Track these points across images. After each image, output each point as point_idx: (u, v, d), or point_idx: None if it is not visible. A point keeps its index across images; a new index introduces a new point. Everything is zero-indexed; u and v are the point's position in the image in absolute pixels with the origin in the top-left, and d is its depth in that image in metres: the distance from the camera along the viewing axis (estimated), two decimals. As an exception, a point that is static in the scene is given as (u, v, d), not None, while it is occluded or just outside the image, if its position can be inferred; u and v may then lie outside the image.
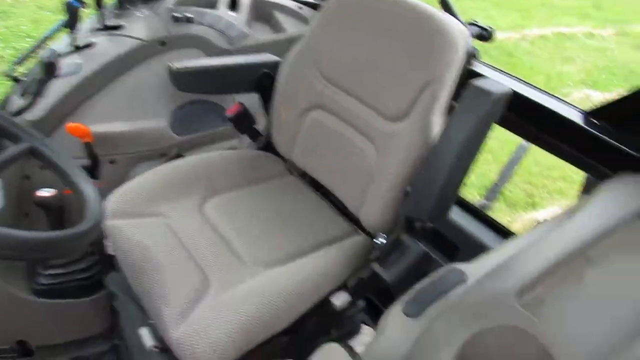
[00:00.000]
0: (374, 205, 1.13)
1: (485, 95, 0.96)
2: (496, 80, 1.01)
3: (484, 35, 1.46)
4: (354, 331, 1.31)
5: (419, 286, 0.81)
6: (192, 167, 1.33)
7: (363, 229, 1.21)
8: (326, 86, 1.28)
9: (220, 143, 1.69)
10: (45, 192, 1.31)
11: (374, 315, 1.41)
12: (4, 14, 3.78)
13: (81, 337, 1.44)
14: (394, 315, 0.77)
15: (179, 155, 1.45)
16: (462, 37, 1.08)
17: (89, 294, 1.40)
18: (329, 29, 1.28)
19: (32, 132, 0.91)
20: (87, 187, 0.88)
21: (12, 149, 0.87)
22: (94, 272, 1.40)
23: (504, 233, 1.46)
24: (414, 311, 0.76)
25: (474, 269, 0.81)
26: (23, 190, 1.39)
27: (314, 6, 1.92)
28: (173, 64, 1.33)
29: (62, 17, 1.51)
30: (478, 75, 1.33)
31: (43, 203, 1.31)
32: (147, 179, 1.26)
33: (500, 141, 2.91)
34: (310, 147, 1.34)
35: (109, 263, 1.27)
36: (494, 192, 2.33)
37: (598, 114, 1.19)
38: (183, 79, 1.34)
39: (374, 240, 1.14)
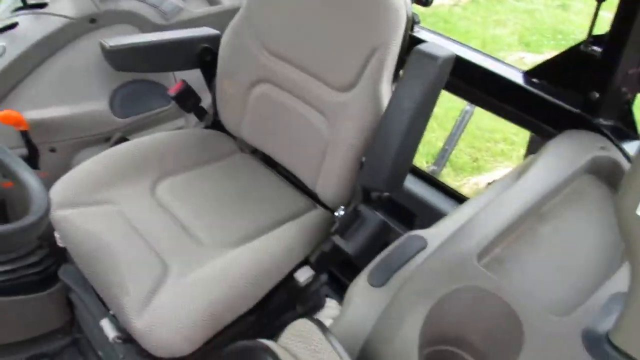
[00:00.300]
0: (330, 178, 1.13)
1: (431, 60, 0.96)
2: (439, 45, 1.02)
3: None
4: (319, 305, 1.32)
5: (381, 255, 0.82)
6: (140, 150, 1.28)
7: (321, 203, 1.21)
8: (270, 59, 1.25)
9: (166, 124, 1.64)
10: None
11: (337, 287, 1.43)
12: None
13: (39, 333, 1.39)
14: (360, 286, 0.78)
15: (123, 139, 1.39)
16: (403, 3, 1.08)
17: (43, 289, 1.34)
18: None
19: None
20: (29, 177, 0.83)
21: None
22: (45, 266, 1.34)
23: (457, 197, 1.50)
24: (378, 280, 0.78)
25: (433, 235, 0.83)
26: None
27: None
28: (106, 41, 1.26)
29: None
30: (421, 41, 1.34)
31: None
32: (92, 165, 1.21)
33: (445, 108, 2.98)
34: (259, 123, 1.31)
35: (61, 255, 1.22)
36: (442, 157, 2.39)
37: (537, 73, 1.23)
38: (118, 57, 1.28)
39: (334, 213, 1.15)
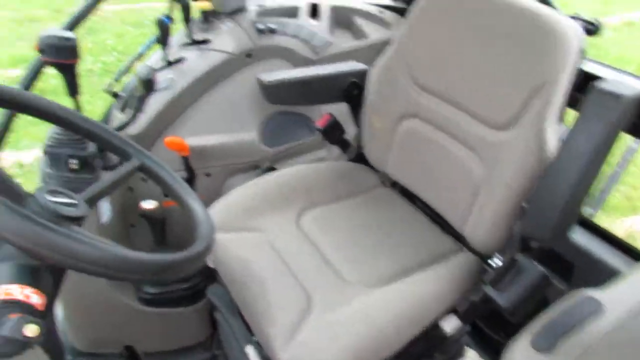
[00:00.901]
0: (482, 221, 1.07)
1: (615, 100, 0.87)
2: (622, 82, 0.91)
3: (591, 29, 1.35)
4: (458, 354, 1.25)
5: (547, 316, 0.74)
6: (287, 180, 1.32)
7: (468, 246, 1.15)
8: (420, 94, 1.22)
9: (309, 154, 1.68)
10: (149, 204, 1.35)
11: (477, 336, 1.34)
12: (91, 30, 3.98)
13: (182, 345, 1.49)
14: (522, 349, 0.71)
15: (271, 168, 1.45)
16: (575, 33, 0.99)
17: (191, 304, 1.44)
18: (421, 32, 1.22)
19: (141, 149, 0.92)
20: (197, 205, 0.88)
21: (125, 166, 0.88)
22: (195, 283, 1.44)
23: (623, 248, 1.33)
24: (544, 345, 0.70)
25: (611, 298, 0.73)
26: (128, 202, 1.44)
27: (395, 10, 1.86)
28: (263, 76, 1.33)
29: (143, 31, 1.55)
30: (591, 75, 1.23)
31: (147, 214, 1.35)
32: (244, 193, 1.27)
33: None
34: (405, 158, 1.29)
35: (210, 275, 1.29)
36: (600, 199, 2.16)
37: None
38: (274, 92, 1.34)
39: (484, 259, 1.08)
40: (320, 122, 1.41)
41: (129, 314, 1.38)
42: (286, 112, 1.63)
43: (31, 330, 0.56)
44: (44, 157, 1.21)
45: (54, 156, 1.17)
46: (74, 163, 1.18)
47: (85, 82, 1.25)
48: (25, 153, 2.70)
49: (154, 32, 1.52)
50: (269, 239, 1.18)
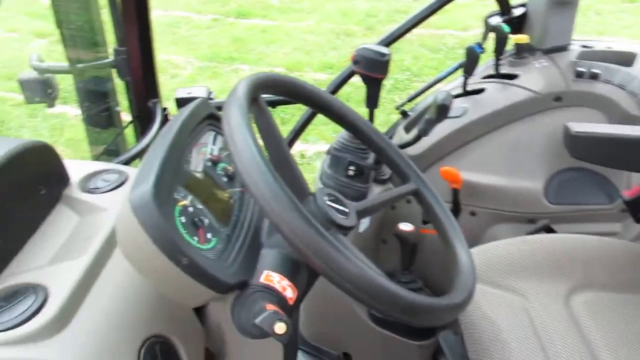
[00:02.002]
0: None
1: None
2: None
3: None
4: None
5: None
6: (566, 247, 1.13)
7: None
8: None
9: (599, 224, 1.42)
10: (406, 227, 1.33)
11: None
12: (393, 48, 4.26)
13: None
14: None
15: (548, 228, 1.26)
16: None
17: (417, 339, 1.37)
18: None
19: (421, 175, 0.89)
20: (464, 253, 0.80)
21: (402, 188, 0.87)
22: None
23: None
24: None
25: None
26: (387, 219, 1.45)
27: None
28: (572, 125, 1.16)
29: (438, 56, 1.53)
30: None
31: (402, 236, 1.33)
32: (512, 247, 1.14)
33: None
34: None
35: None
36: None
37: None
38: (581, 145, 1.17)
39: None
40: (629, 192, 1.17)
41: (356, 325, 1.38)
42: (584, 169, 1.41)
43: (280, 327, 0.57)
44: (326, 156, 1.29)
45: (336, 159, 1.24)
46: (352, 169, 1.22)
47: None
48: (310, 146, 3.04)
49: (448, 58, 1.50)
50: (526, 307, 1.03)
